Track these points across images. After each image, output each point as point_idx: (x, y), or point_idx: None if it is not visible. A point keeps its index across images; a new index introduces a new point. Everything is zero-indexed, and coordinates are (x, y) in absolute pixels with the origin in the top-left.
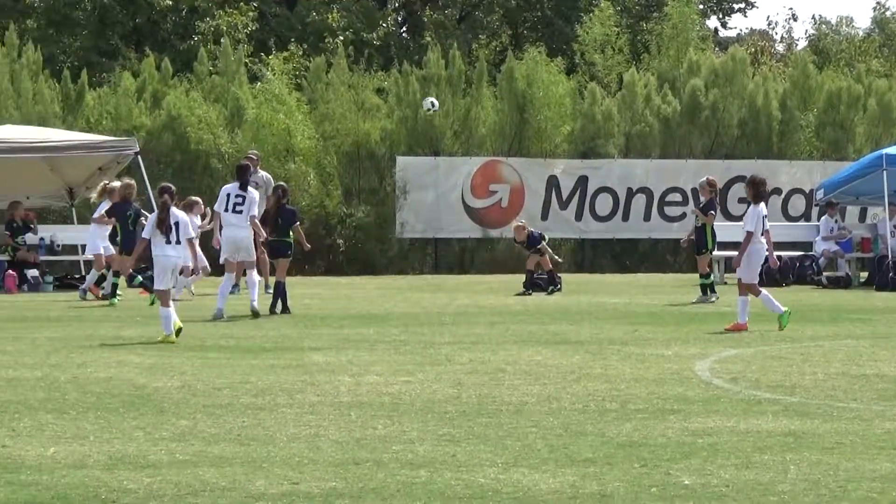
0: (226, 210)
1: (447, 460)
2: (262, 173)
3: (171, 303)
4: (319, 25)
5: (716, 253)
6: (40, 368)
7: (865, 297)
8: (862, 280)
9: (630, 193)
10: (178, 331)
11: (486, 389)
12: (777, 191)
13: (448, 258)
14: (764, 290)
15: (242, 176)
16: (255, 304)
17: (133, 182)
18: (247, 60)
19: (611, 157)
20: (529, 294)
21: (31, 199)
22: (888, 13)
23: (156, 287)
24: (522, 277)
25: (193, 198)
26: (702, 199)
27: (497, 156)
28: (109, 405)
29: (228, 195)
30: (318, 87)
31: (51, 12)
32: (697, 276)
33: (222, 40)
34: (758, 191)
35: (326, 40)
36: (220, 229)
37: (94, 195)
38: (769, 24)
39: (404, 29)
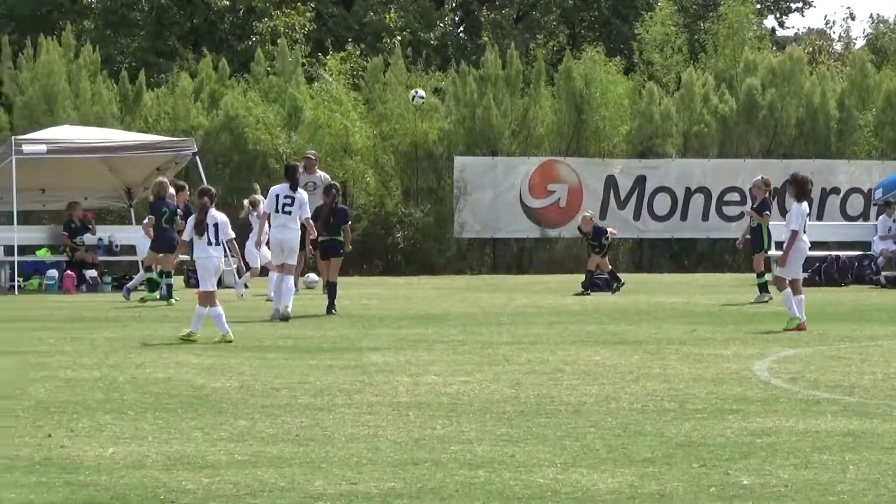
0: (276, 211)
1: (506, 460)
2: (321, 173)
3: (218, 302)
4: (377, 25)
5: (771, 252)
6: (99, 369)
7: None
8: None
9: (688, 193)
10: (188, 336)
11: (545, 389)
12: (835, 190)
13: (506, 258)
14: (788, 290)
15: (292, 177)
16: (289, 309)
17: (166, 180)
18: (304, 61)
19: (669, 157)
20: (588, 294)
21: (90, 199)
22: None
23: (200, 289)
24: (581, 277)
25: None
26: (757, 198)
27: (555, 156)
28: (168, 406)
29: (277, 196)
30: (376, 88)
31: (108, 13)
32: (755, 276)
33: (279, 41)
34: (801, 189)
35: (384, 40)
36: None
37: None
38: (827, 24)
39: (461, 29)
